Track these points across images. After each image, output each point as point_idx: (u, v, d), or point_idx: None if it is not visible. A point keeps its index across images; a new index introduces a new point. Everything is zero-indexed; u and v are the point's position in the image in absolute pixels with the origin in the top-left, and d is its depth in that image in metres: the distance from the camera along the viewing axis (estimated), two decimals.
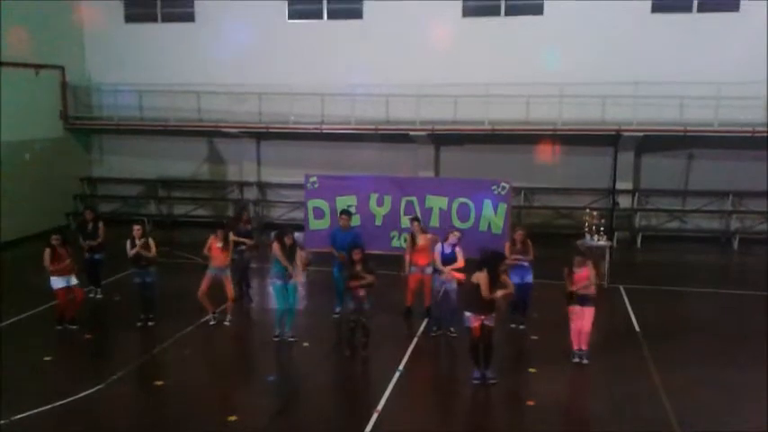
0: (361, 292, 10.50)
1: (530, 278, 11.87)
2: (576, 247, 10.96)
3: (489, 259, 9.58)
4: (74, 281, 11.83)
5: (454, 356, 10.92)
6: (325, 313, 12.60)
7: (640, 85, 17.44)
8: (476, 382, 9.72)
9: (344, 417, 9.09)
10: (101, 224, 13.70)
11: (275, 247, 11.28)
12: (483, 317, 9.54)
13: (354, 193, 15.45)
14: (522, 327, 11.84)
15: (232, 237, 12.35)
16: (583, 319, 10.25)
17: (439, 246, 11.60)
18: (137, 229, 12.03)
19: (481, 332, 9.59)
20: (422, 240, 12.04)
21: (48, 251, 11.59)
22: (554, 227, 19.44)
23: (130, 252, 11.90)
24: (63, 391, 9.39)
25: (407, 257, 12.22)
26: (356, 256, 10.56)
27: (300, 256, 11.39)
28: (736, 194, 18.76)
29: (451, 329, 11.47)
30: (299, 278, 11.43)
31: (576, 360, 10.38)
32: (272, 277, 11.42)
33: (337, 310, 12.50)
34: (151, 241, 12.08)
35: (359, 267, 10.54)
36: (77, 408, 9.07)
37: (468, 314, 9.65)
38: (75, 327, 11.86)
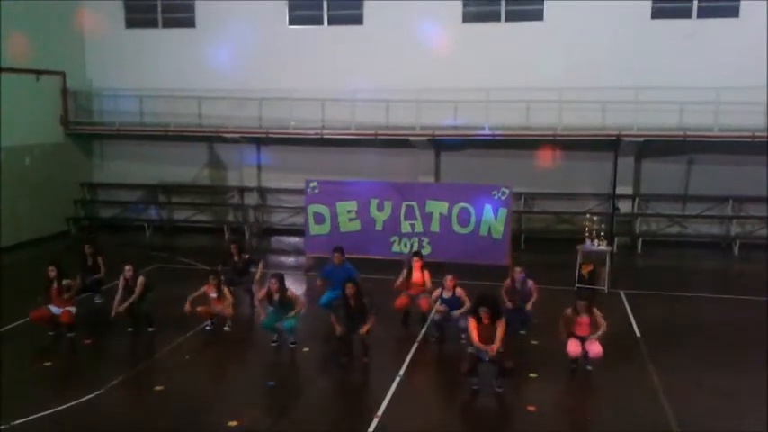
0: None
1: (528, 305, 11.79)
2: (580, 295, 10.88)
3: (483, 304, 9.63)
4: (67, 308, 11.69)
5: (455, 362, 10.88)
6: (325, 318, 12.55)
7: (640, 90, 17.46)
8: (475, 387, 9.72)
9: (345, 422, 9.07)
10: (100, 259, 13.66)
11: (261, 294, 11.39)
12: (483, 351, 9.61)
13: (355, 199, 15.47)
14: (522, 332, 11.82)
15: (226, 290, 12.18)
16: (590, 350, 10.16)
17: (437, 292, 11.65)
18: (128, 269, 11.97)
19: (476, 364, 9.68)
20: (417, 277, 12.12)
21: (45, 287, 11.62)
22: (554, 232, 19.45)
23: (119, 308, 11.85)
24: (63, 397, 9.38)
25: (398, 285, 12.25)
26: (349, 290, 10.58)
27: (294, 298, 11.33)
28: (736, 200, 18.76)
29: (462, 336, 11.45)
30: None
31: (574, 366, 10.36)
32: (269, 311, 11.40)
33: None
34: (141, 281, 11.95)
35: (353, 302, 10.58)
36: (77, 413, 9.06)
37: (471, 346, 9.73)
38: (71, 334, 11.81)
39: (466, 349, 9.91)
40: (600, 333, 10.20)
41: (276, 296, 11.14)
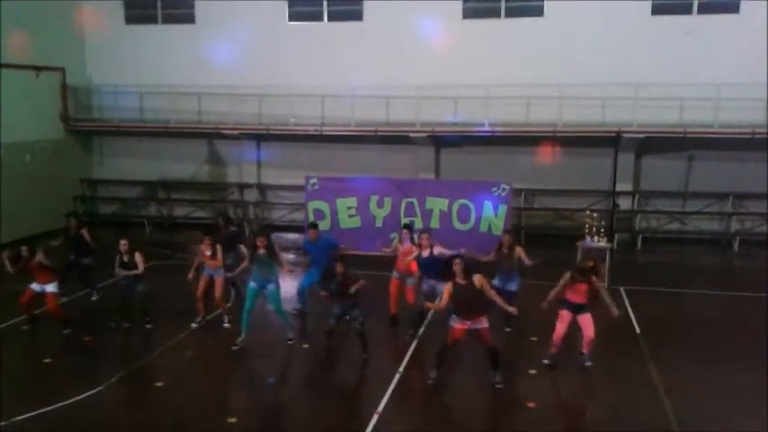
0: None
1: (513, 286, 11.60)
2: (585, 256, 10.83)
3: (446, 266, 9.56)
4: (49, 288, 11.71)
5: (454, 358, 10.89)
6: (324, 315, 12.57)
7: (640, 86, 17.44)
8: (429, 382, 9.72)
9: (344, 419, 9.08)
10: (84, 231, 13.50)
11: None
12: (468, 322, 9.44)
13: (355, 195, 15.52)
14: (507, 329, 11.69)
15: (219, 248, 12.09)
16: (584, 328, 10.16)
17: (414, 252, 11.56)
18: (123, 243, 11.95)
19: (463, 337, 9.55)
20: (407, 248, 11.95)
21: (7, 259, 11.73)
22: (554, 228, 19.45)
23: (117, 270, 11.95)
24: (63, 393, 9.38)
25: (387, 251, 12.30)
26: (339, 269, 10.42)
27: (282, 258, 11.40)
28: (736, 196, 18.75)
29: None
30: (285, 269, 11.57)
31: (547, 362, 10.30)
32: (251, 279, 11.35)
33: (298, 306, 12.66)
34: (138, 256, 11.97)
35: (341, 280, 10.38)
36: (77, 410, 9.07)
37: (453, 316, 9.57)
38: (67, 330, 11.78)
39: (450, 323, 9.62)
40: (605, 300, 10.16)
41: (263, 251, 11.03)
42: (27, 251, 11.74)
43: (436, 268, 11.18)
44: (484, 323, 9.47)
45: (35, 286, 11.75)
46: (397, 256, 12.09)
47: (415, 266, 11.86)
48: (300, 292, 12.67)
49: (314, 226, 12.73)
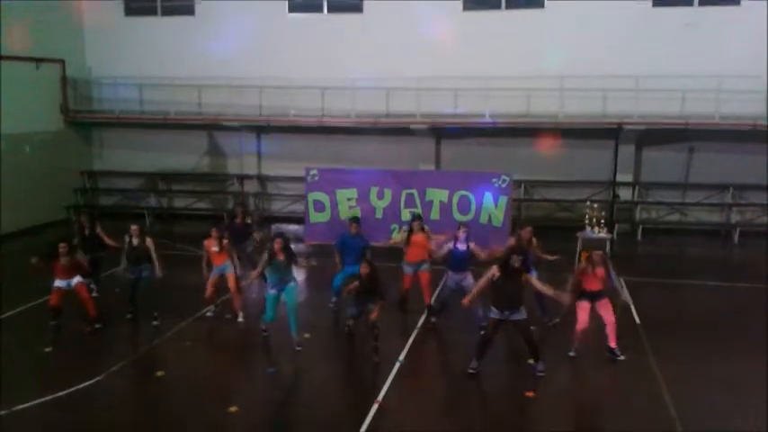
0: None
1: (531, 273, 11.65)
2: (585, 247, 10.85)
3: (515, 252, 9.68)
4: (76, 280, 11.41)
5: (455, 348, 10.93)
6: (325, 305, 12.60)
7: (641, 78, 17.42)
8: (471, 371, 9.74)
9: (345, 408, 9.10)
10: (99, 228, 13.32)
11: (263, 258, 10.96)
12: (507, 312, 9.53)
13: (355, 186, 15.50)
14: (550, 323, 11.53)
15: (226, 242, 12.03)
16: (604, 314, 10.18)
17: (450, 244, 11.25)
18: (134, 228, 11.91)
19: (498, 328, 9.67)
20: (417, 238, 11.77)
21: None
22: (555, 220, 19.44)
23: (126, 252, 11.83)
24: (63, 383, 9.41)
25: (395, 241, 12.04)
26: (364, 269, 10.25)
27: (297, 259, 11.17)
28: (736, 187, 18.75)
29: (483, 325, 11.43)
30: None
31: (573, 354, 10.30)
32: (267, 286, 11.04)
33: (333, 299, 12.51)
34: (150, 241, 11.95)
35: (366, 282, 10.23)
36: (78, 399, 9.10)
37: (492, 308, 9.66)
38: (99, 325, 11.59)
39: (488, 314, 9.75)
40: (615, 284, 10.34)
41: (281, 257, 10.61)
42: (65, 248, 11.25)
43: (469, 261, 11.15)
44: (521, 314, 9.58)
45: (60, 283, 11.33)
46: (408, 245, 11.84)
47: (426, 253, 11.71)
48: (336, 291, 12.32)
49: (356, 219, 12.53)
